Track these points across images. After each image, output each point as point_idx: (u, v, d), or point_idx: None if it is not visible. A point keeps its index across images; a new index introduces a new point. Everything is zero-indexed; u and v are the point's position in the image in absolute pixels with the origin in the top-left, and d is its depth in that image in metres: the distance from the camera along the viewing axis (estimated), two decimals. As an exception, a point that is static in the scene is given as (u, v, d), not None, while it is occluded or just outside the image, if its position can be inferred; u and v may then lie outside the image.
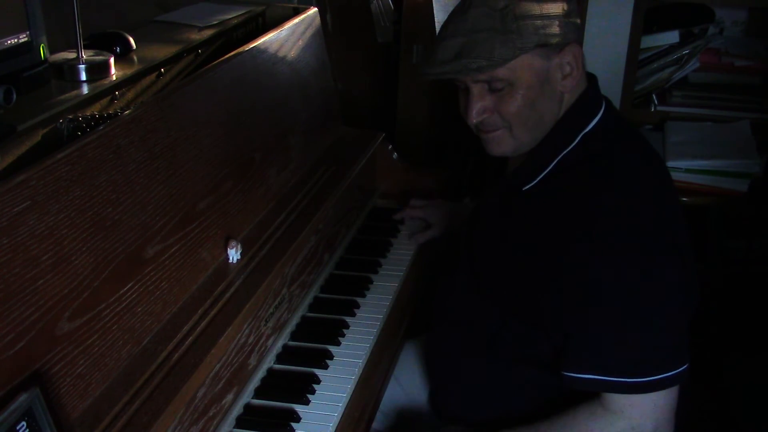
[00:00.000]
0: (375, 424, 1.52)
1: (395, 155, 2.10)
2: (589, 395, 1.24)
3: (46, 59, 1.31)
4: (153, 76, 1.59)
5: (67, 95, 1.38)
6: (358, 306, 1.60)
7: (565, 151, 1.28)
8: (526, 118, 1.26)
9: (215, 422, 1.23)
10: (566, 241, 1.21)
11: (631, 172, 1.26)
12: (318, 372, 1.40)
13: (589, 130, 1.29)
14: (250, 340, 1.33)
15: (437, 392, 1.53)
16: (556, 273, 1.22)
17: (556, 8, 1.22)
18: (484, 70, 1.21)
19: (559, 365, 1.24)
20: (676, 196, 1.35)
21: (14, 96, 1.21)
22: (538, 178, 1.30)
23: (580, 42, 1.28)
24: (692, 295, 1.29)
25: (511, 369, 1.33)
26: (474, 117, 1.28)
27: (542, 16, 1.21)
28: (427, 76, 1.27)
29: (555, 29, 1.22)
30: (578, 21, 1.27)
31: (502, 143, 1.30)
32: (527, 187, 1.31)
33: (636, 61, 2.50)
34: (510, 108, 1.25)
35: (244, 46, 1.63)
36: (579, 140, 1.28)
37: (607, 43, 2.48)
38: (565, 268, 1.21)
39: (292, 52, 1.80)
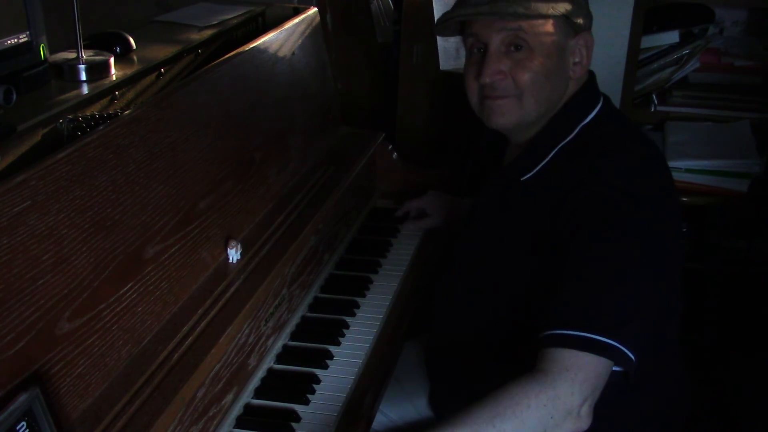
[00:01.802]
0: (375, 425, 1.52)
1: (395, 155, 2.10)
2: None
3: (46, 59, 1.31)
4: (153, 76, 1.59)
5: (67, 95, 1.38)
6: (358, 306, 1.60)
7: (564, 142, 1.30)
8: (539, 88, 1.28)
9: (215, 422, 1.23)
10: (557, 216, 1.22)
11: (629, 160, 1.26)
12: (318, 372, 1.40)
13: (588, 122, 1.31)
14: (250, 340, 1.33)
15: (437, 393, 1.53)
16: (553, 256, 1.22)
17: None
18: (519, 18, 1.23)
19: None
20: (675, 193, 1.34)
21: (14, 96, 1.21)
22: (537, 168, 1.30)
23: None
24: (671, 295, 1.29)
25: (512, 370, 1.33)
26: (488, 76, 1.27)
27: None
28: (453, 18, 1.29)
29: (581, 10, 1.28)
30: (591, 14, 1.33)
31: (508, 112, 1.30)
32: (526, 177, 1.32)
33: (636, 61, 2.49)
34: (526, 74, 1.26)
35: (244, 46, 1.63)
36: (578, 131, 1.30)
37: (607, 43, 2.47)
38: (558, 245, 1.21)
39: (292, 52, 1.80)
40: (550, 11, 1.24)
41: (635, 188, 1.22)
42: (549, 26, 1.26)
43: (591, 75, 1.36)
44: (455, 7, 1.31)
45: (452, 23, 1.35)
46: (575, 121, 1.31)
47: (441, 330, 1.49)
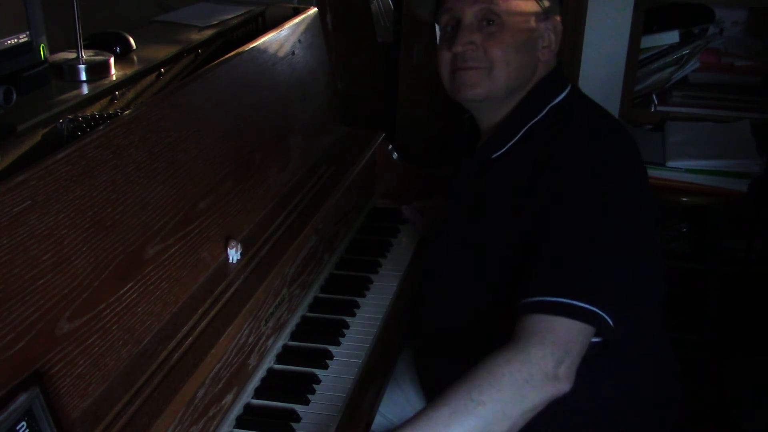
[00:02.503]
0: (373, 426, 1.52)
1: (395, 155, 2.10)
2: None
3: (46, 59, 1.31)
4: (153, 76, 1.59)
5: (67, 95, 1.38)
6: (358, 306, 1.60)
7: (533, 121, 1.34)
8: (509, 62, 1.32)
9: (215, 422, 1.23)
10: (533, 186, 1.24)
11: (602, 132, 1.30)
12: (318, 372, 1.40)
13: (557, 103, 1.35)
14: (250, 340, 1.33)
15: (429, 391, 1.51)
16: (530, 227, 1.23)
17: None
18: None
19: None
20: (644, 168, 1.34)
21: (14, 96, 1.21)
22: (507, 146, 1.35)
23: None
24: (650, 265, 1.31)
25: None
26: (460, 44, 1.32)
27: None
28: None
29: None
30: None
31: (478, 84, 1.33)
32: (496, 154, 1.35)
33: (636, 61, 2.50)
34: (497, 46, 1.31)
35: (244, 46, 1.63)
36: (547, 111, 1.35)
37: (607, 43, 2.48)
38: (535, 216, 1.23)
39: (292, 51, 1.80)
40: None
41: (611, 157, 1.25)
42: (521, 4, 1.32)
43: (558, 63, 1.41)
44: None
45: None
46: (544, 101, 1.35)
47: (428, 326, 1.49)
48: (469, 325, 1.37)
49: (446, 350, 1.43)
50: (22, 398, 0.89)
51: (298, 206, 1.61)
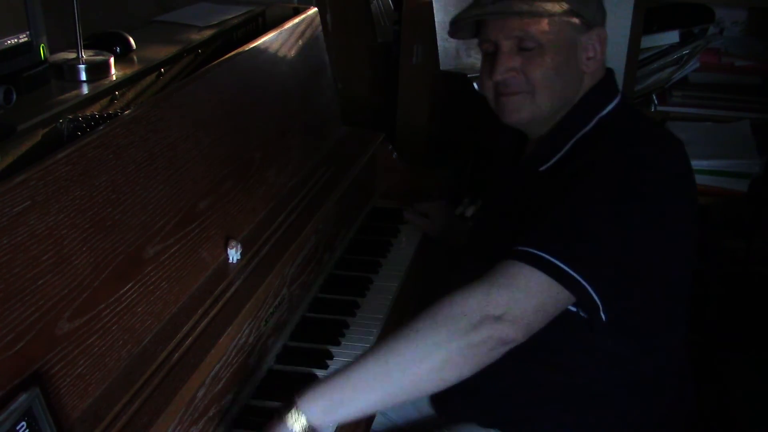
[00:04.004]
0: (375, 425, 1.52)
1: (395, 155, 2.10)
2: None
3: (46, 59, 1.31)
4: (153, 76, 1.59)
5: (67, 95, 1.38)
6: (358, 306, 1.60)
7: (580, 133, 1.30)
8: (551, 84, 1.28)
9: (215, 422, 1.23)
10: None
11: (650, 144, 1.26)
12: (318, 372, 1.40)
13: (606, 114, 1.31)
14: (250, 340, 1.33)
15: (444, 392, 1.51)
16: None
17: None
18: (525, 16, 1.24)
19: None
20: (693, 187, 1.32)
21: (14, 96, 1.21)
22: (555, 159, 1.31)
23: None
24: (680, 276, 1.29)
25: (527, 370, 1.32)
26: (500, 73, 1.29)
27: None
28: (462, 21, 1.31)
29: (590, 5, 1.28)
30: (605, 10, 1.33)
31: (521, 108, 1.31)
32: (543, 167, 1.32)
33: (636, 61, 2.49)
34: (537, 70, 1.27)
35: (244, 46, 1.63)
36: (595, 122, 1.30)
37: (607, 42, 2.47)
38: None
39: (292, 52, 1.80)
40: (556, 8, 1.24)
41: (652, 164, 1.22)
42: (557, 23, 1.26)
43: (609, 71, 1.36)
44: (466, 8, 1.32)
45: (466, 25, 1.36)
46: (592, 113, 1.31)
47: None
48: None
49: None
50: (22, 398, 0.89)
51: (298, 206, 1.61)
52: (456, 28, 1.36)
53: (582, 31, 1.28)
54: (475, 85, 2.97)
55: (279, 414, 1.14)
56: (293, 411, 1.12)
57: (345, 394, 1.13)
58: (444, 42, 2.91)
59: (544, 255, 1.14)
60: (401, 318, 1.61)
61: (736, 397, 2.27)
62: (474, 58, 3.37)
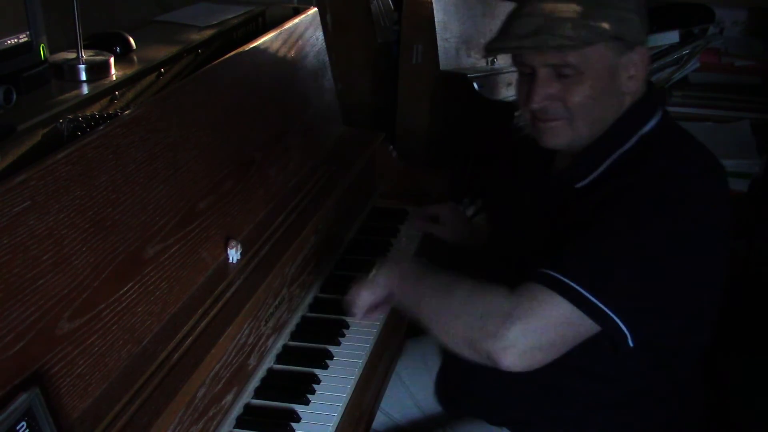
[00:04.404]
0: (375, 424, 1.52)
1: (395, 155, 2.09)
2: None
3: (46, 59, 1.31)
4: (153, 76, 1.59)
5: (67, 95, 1.38)
6: (358, 306, 1.60)
7: (621, 150, 1.26)
8: (590, 111, 1.24)
9: (215, 422, 1.23)
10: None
11: (689, 165, 1.22)
12: (318, 372, 1.40)
13: (647, 131, 1.27)
14: (250, 340, 1.33)
15: (455, 389, 1.51)
16: None
17: (635, 4, 1.22)
18: (563, 49, 1.19)
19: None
20: (729, 213, 1.27)
21: (14, 96, 1.21)
22: (592, 177, 1.27)
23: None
24: (707, 304, 1.26)
25: (546, 372, 1.31)
26: (536, 102, 1.25)
27: (624, 9, 1.20)
28: (497, 51, 1.28)
29: (632, 25, 1.22)
30: (646, 25, 1.27)
31: (560, 134, 1.27)
32: (580, 184, 1.29)
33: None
34: (575, 97, 1.23)
35: (244, 46, 1.63)
36: (636, 140, 1.26)
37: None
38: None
39: (292, 52, 1.80)
40: (597, 38, 1.19)
41: (690, 188, 1.19)
42: (597, 50, 1.20)
43: (650, 85, 1.32)
44: (500, 35, 1.26)
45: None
46: (633, 130, 1.27)
47: None
48: None
49: (482, 368, 1.42)
50: (22, 398, 0.89)
51: (298, 206, 1.61)
52: (488, 52, 1.32)
53: (623, 52, 1.22)
54: (475, 85, 2.98)
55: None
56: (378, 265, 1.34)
57: (410, 290, 1.29)
58: (444, 42, 2.91)
59: (573, 285, 1.13)
60: (401, 318, 1.61)
61: (736, 398, 2.27)
62: (474, 58, 3.37)
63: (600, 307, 1.14)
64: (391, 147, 2.10)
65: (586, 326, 1.16)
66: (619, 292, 1.15)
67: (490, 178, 1.69)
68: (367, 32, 2.76)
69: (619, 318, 1.15)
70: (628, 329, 1.16)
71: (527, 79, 1.27)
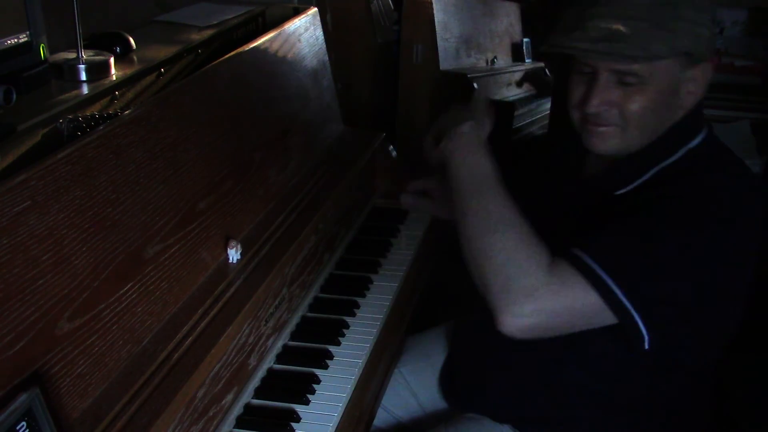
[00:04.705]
0: (377, 422, 1.52)
1: (395, 155, 2.10)
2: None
3: (46, 59, 1.31)
4: (153, 76, 1.59)
5: (67, 95, 1.38)
6: (358, 306, 1.60)
7: (666, 162, 1.25)
8: (645, 122, 1.22)
9: (215, 422, 1.23)
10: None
11: (736, 183, 1.21)
12: (318, 372, 1.40)
13: (695, 146, 1.25)
14: (250, 340, 1.33)
15: (461, 385, 1.50)
16: None
17: (709, 20, 1.19)
18: (638, 61, 1.16)
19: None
20: (762, 230, 1.25)
21: (14, 96, 1.21)
22: (634, 184, 1.26)
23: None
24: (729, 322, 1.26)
25: (556, 370, 1.32)
26: (594, 106, 1.22)
27: (699, 24, 1.17)
28: (564, 49, 1.21)
29: (702, 41, 1.19)
30: (714, 40, 1.24)
31: (610, 141, 1.25)
32: (621, 191, 1.27)
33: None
34: (634, 106, 1.20)
35: (244, 46, 1.63)
36: (683, 154, 1.25)
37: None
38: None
39: (292, 52, 1.80)
40: (671, 52, 1.16)
41: (739, 205, 1.18)
42: (665, 63, 1.18)
43: (698, 102, 1.30)
44: (569, 33, 1.20)
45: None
46: (680, 143, 1.25)
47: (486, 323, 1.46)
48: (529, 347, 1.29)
49: (490, 365, 1.42)
50: (22, 398, 0.89)
51: (298, 206, 1.61)
52: (552, 48, 1.26)
53: (688, 67, 1.21)
54: (475, 85, 2.98)
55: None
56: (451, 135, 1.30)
57: (477, 172, 1.25)
58: (444, 42, 2.92)
59: (606, 278, 1.12)
60: (401, 318, 1.62)
61: (736, 398, 2.27)
62: (474, 58, 3.38)
63: (626, 307, 1.13)
64: (391, 147, 2.10)
65: (603, 318, 1.15)
66: (649, 296, 1.14)
67: (511, 175, 1.65)
68: (367, 32, 2.77)
69: (642, 321, 1.14)
70: (647, 332, 1.15)
71: (585, 79, 1.24)
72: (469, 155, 1.28)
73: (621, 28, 1.15)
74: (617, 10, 1.17)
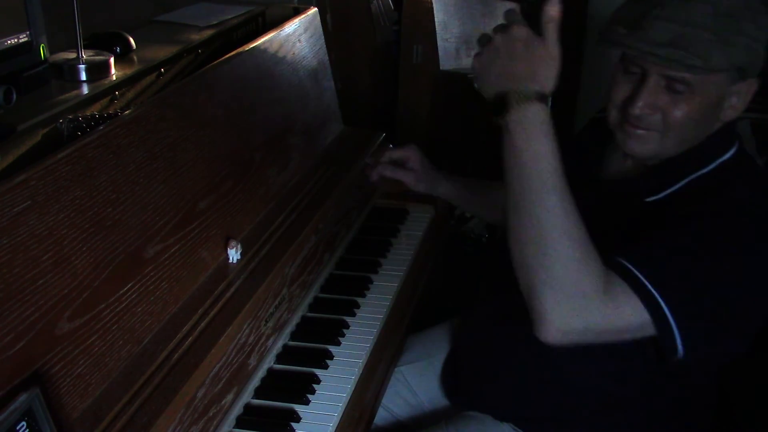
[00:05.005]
0: (377, 420, 1.52)
1: (395, 155, 2.09)
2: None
3: (46, 59, 1.31)
4: (153, 76, 1.59)
5: (67, 95, 1.38)
6: (358, 306, 1.60)
7: (699, 173, 1.23)
8: (685, 130, 1.21)
9: (215, 422, 1.23)
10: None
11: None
12: (318, 372, 1.40)
13: (727, 159, 1.24)
14: (250, 340, 1.33)
15: (464, 383, 1.50)
16: None
17: (765, 37, 1.17)
18: (694, 72, 1.14)
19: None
20: None
21: (14, 96, 1.21)
22: (665, 192, 1.24)
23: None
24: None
25: (565, 370, 1.31)
26: (638, 108, 1.19)
27: (757, 40, 1.16)
28: (623, 47, 1.18)
29: (756, 57, 1.18)
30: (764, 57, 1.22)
31: (647, 144, 1.23)
32: (652, 198, 1.25)
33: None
34: (678, 114, 1.18)
35: (244, 46, 1.63)
36: (716, 166, 1.23)
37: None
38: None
39: (292, 52, 1.80)
40: (727, 66, 1.15)
41: None
42: (720, 76, 1.16)
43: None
44: (629, 30, 1.17)
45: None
46: (714, 155, 1.24)
47: (488, 322, 1.44)
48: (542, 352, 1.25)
49: (493, 364, 1.41)
50: (22, 398, 0.89)
51: (298, 206, 1.61)
52: (605, 43, 1.22)
53: (736, 82, 1.19)
54: (476, 85, 2.98)
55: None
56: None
57: (543, 164, 1.10)
58: (444, 42, 2.92)
59: (657, 296, 1.10)
60: (401, 318, 1.62)
61: (736, 397, 2.27)
62: (474, 58, 3.37)
63: (670, 324, 1.12)
64: (391, 147, 2.10)
65: (643, 333, 1.13)
66: (694, 314, 1.13)
67: None
68: (367, 32, 2.77)
69: (681, 337, 1.12)
70: (683, 347, 1.13)
71: (632, 78, 1.22)
72: (535, 140, 1.11)
73: (684, 34, 1.13)
74: (682, 14, 1.14)
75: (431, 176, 1.72)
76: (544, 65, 1.12)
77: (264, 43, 1.69)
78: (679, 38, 1.13)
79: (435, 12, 2.78)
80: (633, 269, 1.12)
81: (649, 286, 1.11)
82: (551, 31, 1.12)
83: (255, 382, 1.37)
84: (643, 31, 1.16)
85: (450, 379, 1.54)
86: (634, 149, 1.25)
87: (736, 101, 1.21)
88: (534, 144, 1.10)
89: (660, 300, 1.11)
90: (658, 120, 1.20)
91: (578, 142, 1.43)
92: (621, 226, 1.23)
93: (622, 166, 1.33)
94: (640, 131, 1.22)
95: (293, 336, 1.50)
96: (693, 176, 1.23)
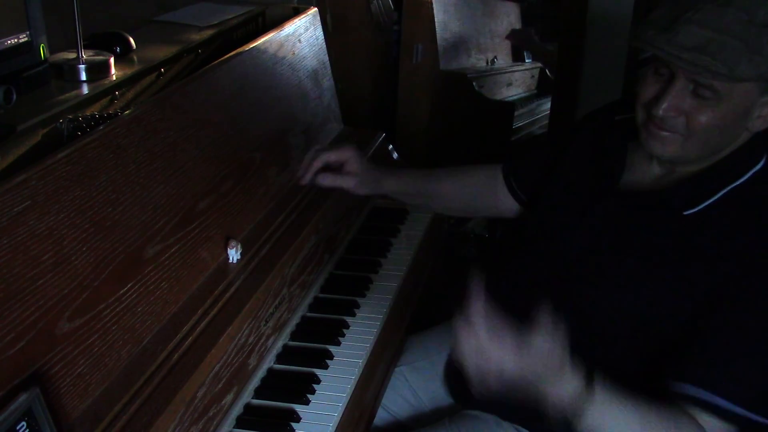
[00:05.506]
0: (377, 421, 1.52)
1: (395, 155, 2.10)
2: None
3: (46, 59, 1.31)
4: (153, 76, 1.59)
5: (67, 95, 1.38)
6: (358, 306, 1.60)
7: (735, 184, 1.22)
8: (709, 136, 1.20)
9: (215, 422, 1.23)
10: (736, 271, 1.16)
11: None
12: (318, 372, 1.40)
13: (759, 169, 1.23)
14: (250, 340, 1.33)
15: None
16: (702, 297, 1.17)
17: None
18: (720, 78, 1.13)
19: (663, 372, 1.19)
20: None
21: (14, 96, 1.21)
22: (703, 205, 1.22)
23: None
24: None
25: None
26: (663, 110, 1.18)
27: None
28: (656, 50, 1.17)
29: None
30: None
31: (669, 147, 1.22)
32: (690, 211, 1.23)
33: (637, 60, 2.50)
34: (702, 119, 1.17)
35: (245, 46, 1.63)
36: (750, 176, 1.22)
37: (607, 42, 2.48)
38: (716, 297, 1.16)
39: (292, 52, 1.80)
40: (755, 76, 1.13)
41: None
42: (747, 85, 1.14)
43: None
44: (661, 31, 1.16)
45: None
46: (749, 165, 1.23)
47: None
48: None
49: None
50: (22, 398, 0.89)
51: (298, 206, 1.61)
52: (641, 44, 1.21)
53: (765, 93, 1.17)
54: (475, 85, 2.98)
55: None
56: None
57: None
58: (444, 42, 2.92)
59: (717, 400, 1.12)
60: (401, 318, 1.62)
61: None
62: (474, 58, 3.38)
63: (742, 415, 1.13)
64: (391, 147, 2.10)
65: None
66: (754, 392, 1.14)
67: (530, 177, 1.54)
68: (367, 32, 2.77)
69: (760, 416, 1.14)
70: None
71: (659, 79, 1.22)
72: (588, 413, 1.15)
73: (714, 40, 1.12)
74: (714, 20, 1.13)
75: (373, 177, 1.62)
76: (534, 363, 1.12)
77: (264, 43, 1.69)
78: (708, 44, 1.12)
79: (435, 12, 2.78)
80: (715, 400, 1.13)
81: (737, 410, 1.13)
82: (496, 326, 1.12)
83: (255, 382, 1.37)
84: (672, 34, 1.15)
85: (454, 379, 1.54)
86: (655, 150, 1.25)
87: (766, 112, 1.20)
88: (608, 419, 1.15)
89: (749, 415, 1.12)
90: (682, 123, 1.20)
91: (598, 146, 1.41)
92: (659, 239, 1.23)
93: (647, 173, 1.32)
94: (663, 133, 1.22)
95: (293, 336, 1.50)
96: (730, 187, 1.22)
